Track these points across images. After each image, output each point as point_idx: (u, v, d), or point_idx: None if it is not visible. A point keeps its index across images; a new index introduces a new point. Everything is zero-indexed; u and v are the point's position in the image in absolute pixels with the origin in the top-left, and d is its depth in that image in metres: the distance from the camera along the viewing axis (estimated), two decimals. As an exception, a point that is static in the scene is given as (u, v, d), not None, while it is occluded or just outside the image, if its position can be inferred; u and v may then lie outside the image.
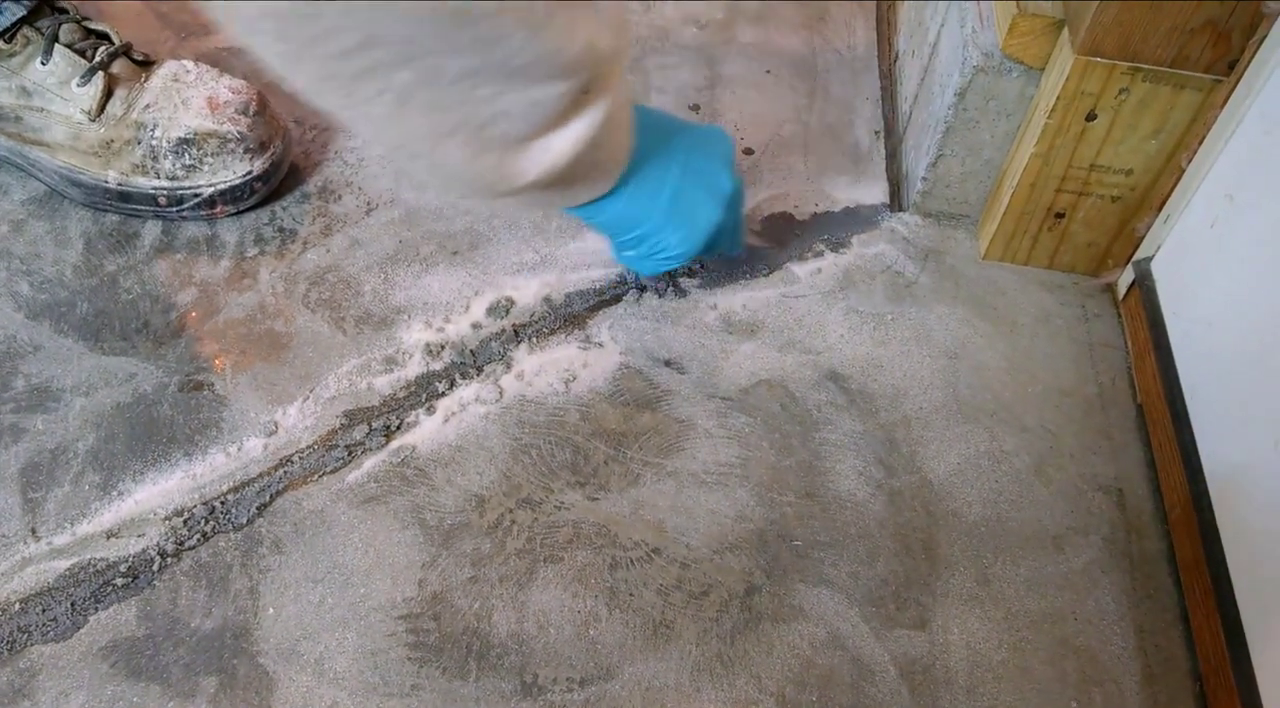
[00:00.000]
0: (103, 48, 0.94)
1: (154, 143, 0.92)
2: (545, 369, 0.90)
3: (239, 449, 0.83)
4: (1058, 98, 0.86)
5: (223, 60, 1.14)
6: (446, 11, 0.53)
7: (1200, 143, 0.87)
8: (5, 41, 0.90)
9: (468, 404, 0.87)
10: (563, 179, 0.68)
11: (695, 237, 0.81)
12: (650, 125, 0.76)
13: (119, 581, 0.75)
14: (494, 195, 0.67)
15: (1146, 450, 0.89)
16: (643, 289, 0.96)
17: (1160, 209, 0.92)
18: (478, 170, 0.64)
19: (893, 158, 1.13)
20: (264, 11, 0.52)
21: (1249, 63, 0.81)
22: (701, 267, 0.98)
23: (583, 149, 0.65)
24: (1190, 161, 0.88)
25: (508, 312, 0.94)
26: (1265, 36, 0.79)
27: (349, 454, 0.83)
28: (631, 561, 0.79)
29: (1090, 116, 0.87)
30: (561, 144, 0.64)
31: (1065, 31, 0.86)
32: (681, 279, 0.98)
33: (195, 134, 0.92)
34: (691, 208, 0.78)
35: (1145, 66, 0.83)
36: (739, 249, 0.93)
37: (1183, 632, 0.78)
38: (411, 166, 0.65)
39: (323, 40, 0.54)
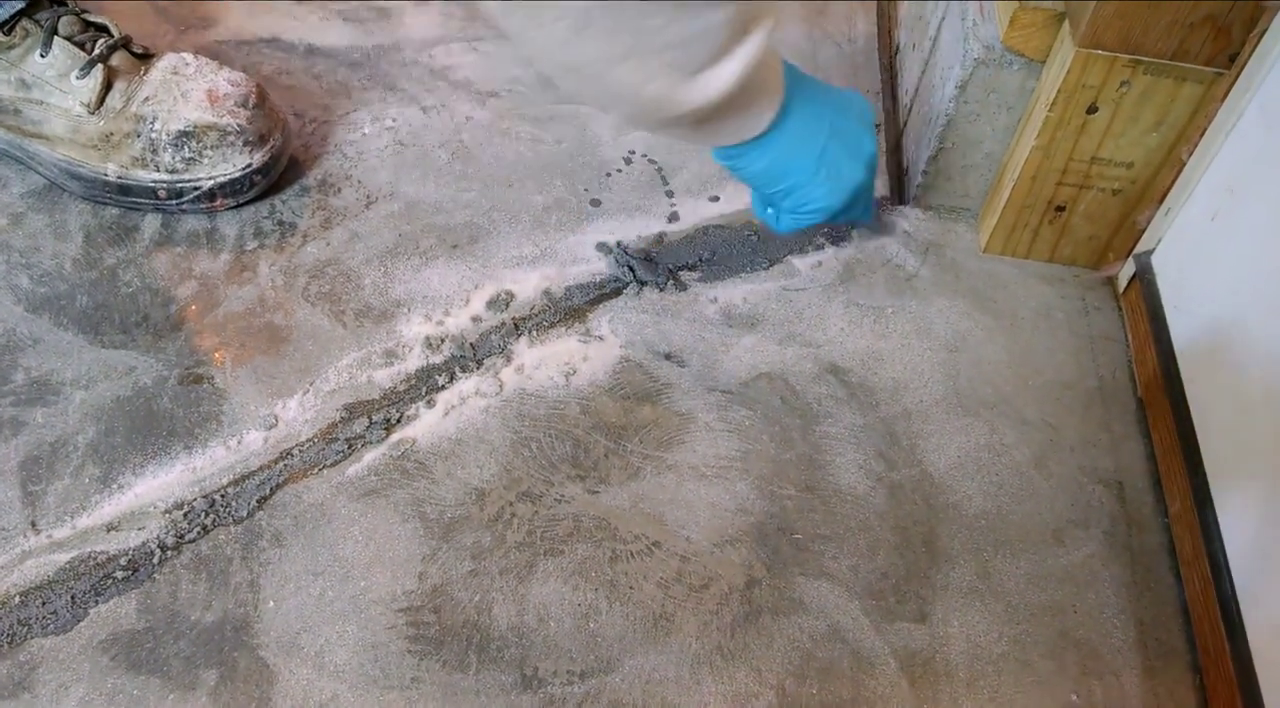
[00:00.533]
0: (102, 40, 0.94)
1: (153, 136, 0.92)
2: (545, 362, 0.90)
3: (239, 442, 0.83)
4: (1059, 91, 0.86)
5: (222, 54, 1.13)
6: None
7: (1201, 136, 0.87)
8: (4, 34, 0.89)
9: (468, 398, 0.87)
10: (719, 111, 0.69)
11: (840, 193, 0.82)
12: (797, 80, 0.78)
13: (119, 574, 0.75)
14: (657, 121, 0.69)
15: (1147, 444, 0.89)
16: (643, 284, 0.96)
17: (1161, 202, 0.92)
18: (647, 94, 0.66)
19: (893, 151, 1.13)
20: None
21: (1250, 56, 0.81)
22: (844, 229, 1.00)
23: (739, 82, 0.67)
24: (1191, 155, 0.88)
25: (508, 305, 0.94)
26: (1266, 30, 0.79)
27: (349, 448, 0.83)
28: (631, 554, 0.79)
29: (1091, 109, 0.87)
30: (721, 75, 0.66)
31: (1066, 24, 0.86)
32: (682, 272, 0.98)
33: (195, 127, 0.92)
34: (838, 165, 0.80)
35: (1146, 59, 0.83)
36: (869, 217, 0.92)
37: (1182, 625, 0.78)
38: (580, 88, 0.68)
39: None
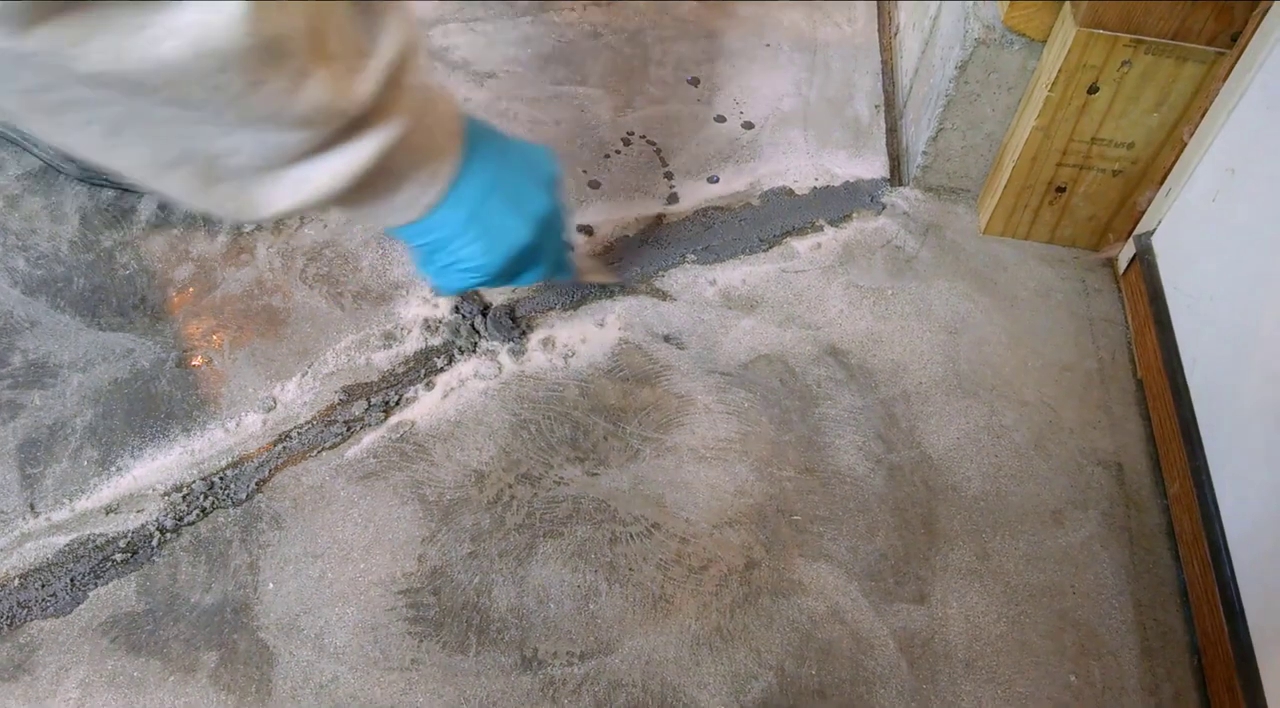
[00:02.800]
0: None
1: (149, 117, 0.91)
2: (544, 345, 0.90)
3: (237, 425, 0.83)
4: (1059, 70, 0.86)
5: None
6: (123, 85, 0.49)
7: (1202, 116, 0.87)
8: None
9: (466, 380, 0.87)
10: (345, 202, 0.63)
11: (497, 252, 0.73)
12: (485, 150, 0.71)
13: (118, 556, 0.75)
14: (248, 220, 0.62)
15: (1146, 425, 0.89)
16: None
17: (1162, 183, 0.92)
18: (216, 199, 0.59)
19: (893, 132, 1.12)
20: None
21: (1252, 35, 0.81)
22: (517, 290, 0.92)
23: (359, 178, 0.60)
24: (1192, 135, 0.88)
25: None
26: (1269, 9, 0.78)
27: (348, 430, 0.83)
28: (631, 535, 0.79)
29: (1092, 89, 0.87)
30: (322, 177, 0.59)
31: (1067, 4, 0.85)
32: (689, 253, 0.97)
33: (191, 108, 0.91)
34: (497, 223, 0.71)
35: (1148, 39, 0.83)
36: (567, 275, 0.84)
37: (1181, 605, 0.79)
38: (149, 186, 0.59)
39: (11, 77, 0.48)
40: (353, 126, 0.58)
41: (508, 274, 0.76)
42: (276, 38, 0.51)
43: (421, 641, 0.73)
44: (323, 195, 0.60)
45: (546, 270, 0.79)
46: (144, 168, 0.56)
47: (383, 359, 0.88)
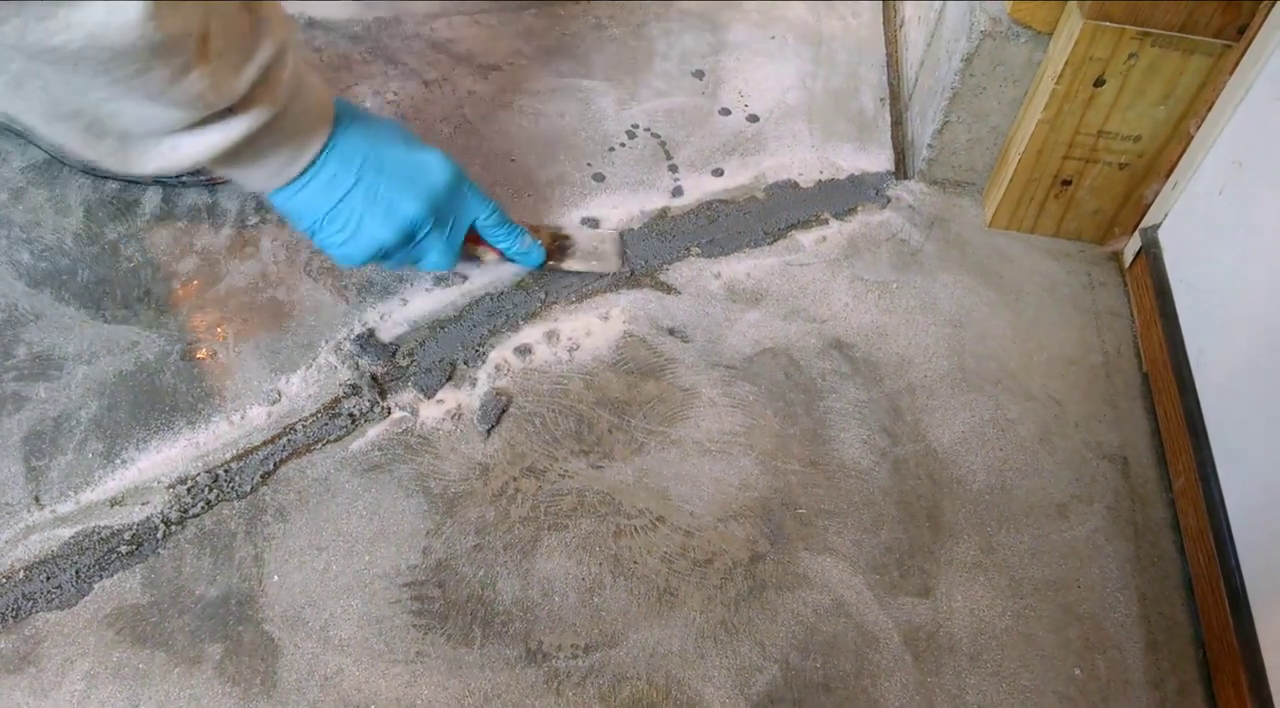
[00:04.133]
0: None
1: (153, 109, 0.91)
2: (549, 338, 0.90)
3: (242, 417, 0.83)
4: (1066, 63, 0.85)
5: (222, 26, 1.12)
6: (25, 55, 0.56)
7: (1209, 109, 0.86)
8: None
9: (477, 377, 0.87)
10: (215, 166, 0.70)
11: (356, 247, 0.79)
12: (354, 140, 0.77)
13: (123, 548, 0.75)
14: (127, 173, 0.70)
15: (1151, 418, 0.88)
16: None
17: (1168, 176, 0.92)
18: (98, 152, 0.65)
19: (898, 125, 1.12)
20: None
21: (1259, 28, 0.80)
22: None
23: (224, 152, 0.68)
24: (1199, 128, 0.88)
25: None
26: (1276, 2, 0.78)
27: (352, 422, 0.83)
28: (635, 528, 0.79)
29: (1098, 82, 0.86)
30: (193, 147, 0.66)
31: (1074, -5, 0.85)
32: (693, 256, 0.97)
33: (195, 100, 0.91)
34: (357, 221, 0.78)
35: (1154, 31, 0.82)
36: (445, 267, 0.86)
37: (1186, 599, 0.78)
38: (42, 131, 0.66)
39: None
40: (226, 111, 0.66)
41: (384, 258, 0.82)
42: (168, 38, 0.58)
43: (426, 633, 0.73)
44: (194, 161, 0.67)
45: (428, 261, 0.84)
46: (37, 117, 0.62)
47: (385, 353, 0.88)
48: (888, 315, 0.94)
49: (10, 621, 0.71)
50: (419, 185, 0.80)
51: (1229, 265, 0.82)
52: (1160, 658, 0.76)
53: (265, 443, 0.81)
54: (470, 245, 0.89)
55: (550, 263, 0.93)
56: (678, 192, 1.03)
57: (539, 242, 0.91)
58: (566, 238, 0.95)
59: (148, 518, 0.76)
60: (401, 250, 0.82)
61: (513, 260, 0.91)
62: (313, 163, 0.75)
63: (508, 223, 0.88)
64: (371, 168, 0.77)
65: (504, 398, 0.85)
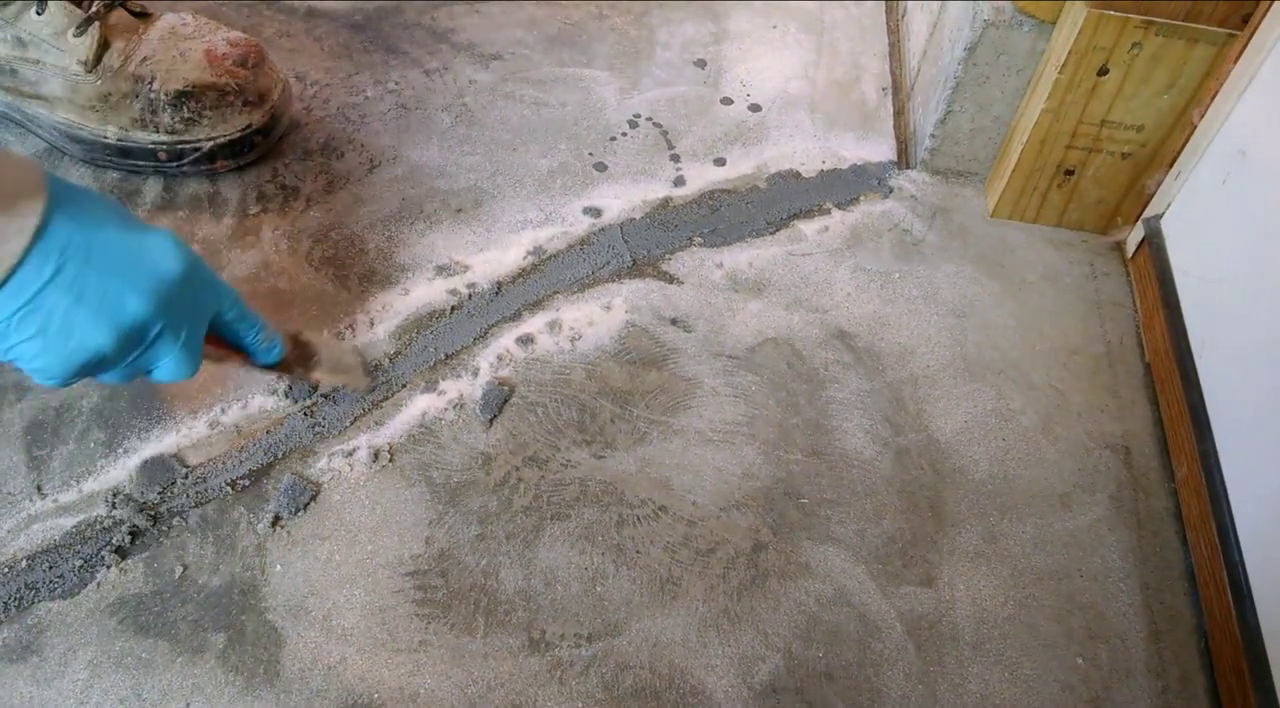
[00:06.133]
0: (99, -1, 0.93)
1: (152, 96, 0.91)
2: (551, 328, 0.90)
3: (244, 407, 0.82)
4: (1069, 52, 0.85)
5: (222, 15, 1.12)
6: None
7: (1213, 98, 0.86)
8: (-1, -7, 0.88)
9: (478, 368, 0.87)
10: None
11: (56, 356, 0.61)
12: (56, 224, 0.60)
13: (125, 538, 0.75)
14: None
15: (1154, 409, 0.88)
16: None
17: (1171, 166, 0.92)
18: None
19: (900, 115, 1.12)
20: None
21: (1263, 17, 0.80)
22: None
23: None
24: (1203, 117, 0.87)
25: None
26: (1282, -11, 0.78)
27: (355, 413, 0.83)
28: (638, 518, 0.79)
29: (1102, 71, 0.86)
30: None
31: (1078, -16, 0.85)
32: (697, 247, 0.97)
33: (193, 87, 0.91)
34: (59, 323, 0.61)
35: (1159, 20, 0.82)
36: (185, 376, 0.66)
37: (1188, 589, 0.79)
38: None
39: None
40: None
41: (101, 370, 0.64)
42: None
43: (429, 622, 0.73)
44: None
45: (168, 371, 0.66)
46: None
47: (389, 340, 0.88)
48: (890, 305, 0.94)
49: (13, 610, 0.71)
50: (143, 274, 0.63)
51: (1232, 255, 0.82)
52: (1162, 647, 0.76)
53: (268, 431, 0.81)
54: (208, 346, 0.69)
55: (299, 371, 0.76)
56: (680, 181, 1.03)
57: (280, 335, 0.73)
58: (307, 344, 0.77)
59: (150, 507, 0.76)
60: (124, 359, 0.63)
61: (253, 357, 0.72)
62: (10, 271, 0.58)
63: (250, 313, 0.70)
64: (77, 255, 0.61)
65: (506, 388, 0.85)
